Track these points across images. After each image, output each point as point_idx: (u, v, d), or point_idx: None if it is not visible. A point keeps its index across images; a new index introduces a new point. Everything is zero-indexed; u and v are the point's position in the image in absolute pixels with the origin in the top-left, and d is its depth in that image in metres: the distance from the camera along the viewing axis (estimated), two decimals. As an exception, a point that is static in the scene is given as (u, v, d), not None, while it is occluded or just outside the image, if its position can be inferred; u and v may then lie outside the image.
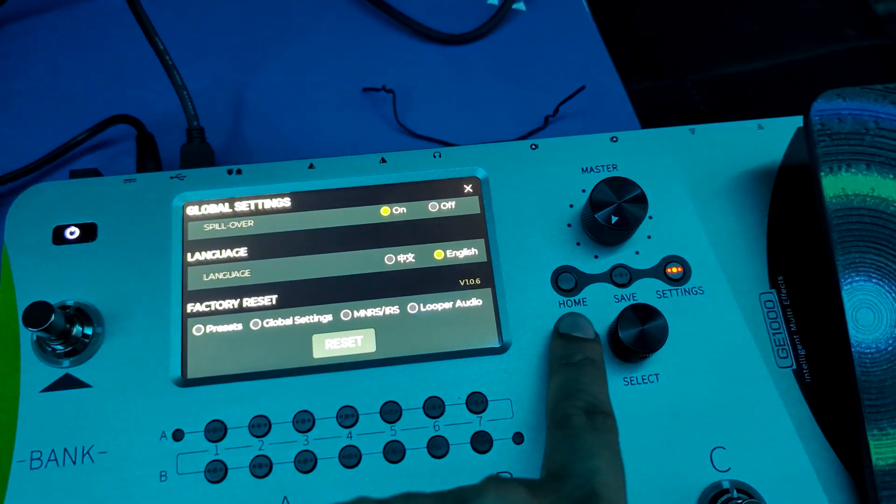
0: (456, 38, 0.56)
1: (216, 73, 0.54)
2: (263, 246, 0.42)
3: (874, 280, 0.37)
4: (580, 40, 0.56)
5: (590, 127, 0.52)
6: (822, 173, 0.38)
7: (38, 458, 0.37)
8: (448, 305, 0.41)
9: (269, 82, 0.54)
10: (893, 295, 0.37)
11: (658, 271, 0.41)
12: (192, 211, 0.42)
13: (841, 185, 0.38)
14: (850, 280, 0.37)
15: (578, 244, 0.42)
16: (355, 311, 0.40)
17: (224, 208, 0.42)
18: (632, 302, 0.40)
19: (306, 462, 0.37)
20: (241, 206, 0.42)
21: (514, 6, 0.57)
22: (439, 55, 0.55)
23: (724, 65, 0.56)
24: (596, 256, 0.42)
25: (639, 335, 0.38)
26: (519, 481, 0.30)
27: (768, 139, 0.45)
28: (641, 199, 0.40)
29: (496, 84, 0.55)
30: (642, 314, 0.38)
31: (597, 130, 0.45)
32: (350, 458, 0.37)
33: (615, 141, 0.44)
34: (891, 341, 0.37)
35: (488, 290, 0.41)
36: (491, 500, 0.28)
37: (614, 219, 0.39)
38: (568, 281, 0.41)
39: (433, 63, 0.55)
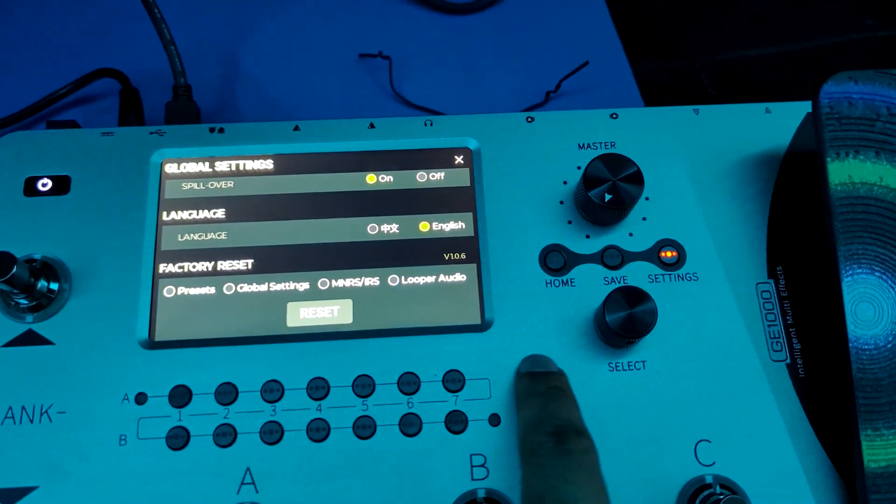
0: (459, 7, 0.54)
1: (209, 32, 0.52)
2: (242, 208, 0.40)
3: (877, 273, 0.36)
4: (587, 15, 0.54)
5: (592, 105, 0.50)
6: (829, 159, 0.36)
7: (-5, 415, 0.35)
8: (431, 279, 0.39)
9: (262, 44, 0.52)
10: (896, 290, 0.35)
11: (651, 255, 0.39)
12: (170, 168, 0.41)
13: (847, 171, 0.36)
14: (851, 272, 0.36)
15: (570, 223, 0.40)
16: (333, 281, 0.39)
17: (204, 167, 0.41)
18: (627, 284, 0.38)
19: (272, 433, 0.36)
20: (221, 165, 0.41)
21: (521, -22, 0.55)
22: (441, 24, 0.54)
23: (735, 48, 0.54)
24: (587, 236, 0.40)
25: (626, 319, 0.36)
26: None
27: (776, 124, 0.43)
28: (637, 178, 0.38)
29: (498, 57, 0.53)
30: (631, 297, 0.36)
31: (598, 108, 0.43)
32: (318, 431, 0.36)
33: (615, 118, 0.42)
34: (890, 338, 0.35)
35: (473, 266, 0.39)
36: None
37: (608, 197, 0.38)
38: (556, 260, 0.39)
39: (434, 32, 0.53)
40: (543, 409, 0.33)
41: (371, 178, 0.41)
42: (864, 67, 0.39)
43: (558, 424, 0.32)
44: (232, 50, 0.52)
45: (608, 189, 0.38)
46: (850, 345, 0.35)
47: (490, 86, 0.52)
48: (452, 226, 0.40)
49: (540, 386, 0.35)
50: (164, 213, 0.40)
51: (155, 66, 0.49)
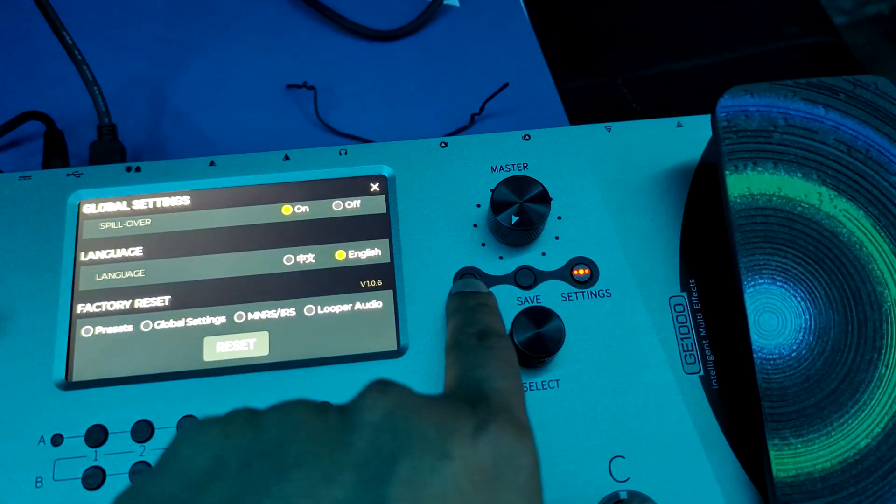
0: (385, 34, 0.54)
1: (137, 70, 0.53)
2: (160, 245, 0.40)
3: (778, 283, 0.36)
4: (513, 37, 0.55)
5: (518, 125, 0.51)
6: (727, 172, 0.37)
7: (-89, 462, 0.36)
8: (347, 308, 0.39)
9: (190, 79, 0.53)
10: (798, 299, 0.36)
11: (564, 273, 0.40)
12: (88, 209, 0.41)
13: (746, 184, 0.37)
14: (753, 283, 0.36)
15: (484, 245, 0.40)
16: (249, 314, 0.39)
17: (121, 206, 0.41)
18: (533, 305, 0.39)
19: (187, 469, 0.36)
20: (138, 204, 0.41)
21: (447, 2, 0.56)
22: (367, 52, 0.54)
23: (660, 63, 0.54)
24: (501, 258, 0.40)
25: (534, 338, 0.36)
26: (405, 386, 0.27)
27: (687, 137, 0.43)
28: (543, 198, 0.38)
29: (424, 82, 0.53)
30: (537, 317, 0.36)
31: (524, 129, 0.44)
32: (233, 464, 0.36)
33: (528, 139, 0.43)
34: (794, 347, 0.35)
35: (389, 293, 0.40)
36: (370, 401, 0.26)
37: (514, 219, 0.38)
38: (470, 283, 0.39)
39: (361, 60, 0.54)
40: (469, 318, 0.35)
41: (287, 209, 0.41)
42: (789, 75, 0.40)
43: (481, 328, 0.33)
44: (160, 87, 0.52)
45: (515, 211, 0.38)
46: (755, 355, 0.35)
47: (417, 111, 0.52)
48: (369, 253, 0.41)
49: (468, 302, 0.36)
50: (82, 254, 0.40)
51: (83, 107, 0.50)
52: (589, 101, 0.53)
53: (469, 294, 0.37)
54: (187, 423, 0.26)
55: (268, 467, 0.23)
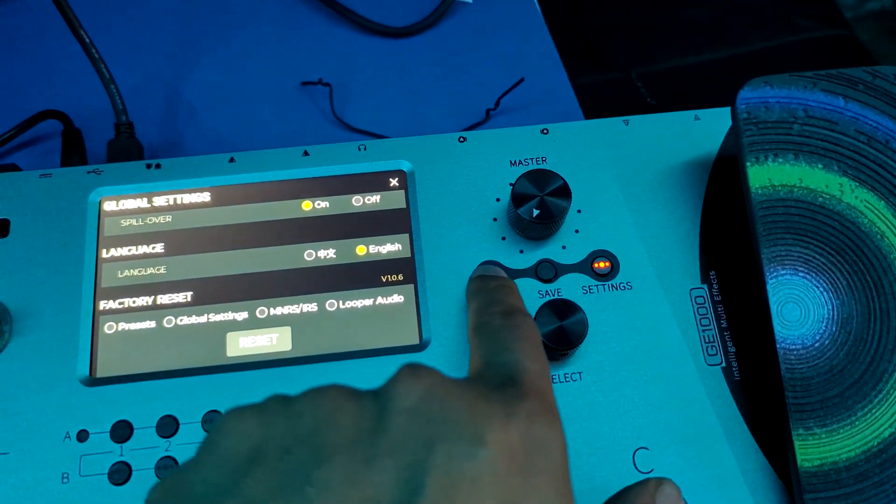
0: (398, 30, 0.54)
1: (152, 68, 0.53)
2: (181, 241, 0.41)
3: (801, 274, 0.36)
4: (527, 33, 0.55)
5: (532, 121, 0.51)
6: (749, 163, 0.37)
7: (-62, 459, 0.36)
8: (368, 302, 0.40)
9: (205, 77, 0.53)
10: (821, 289, 0.36)
11: (585, 266, 0.40)
12: (109, 206, 0.41)
13: (768, 175, 0.37)
14: (775, 274, 0.36)
15: (504, 239, 0.41)
16: (272, 309, 0.39)
17: (142, 203, 0.41)
18: (555, 297, 0.39)
19: (213, 463, 0.36)
20: (159, 200, 0.41)
21: (460, -2, 0.56)
22: (381, 48, 0.54)
23: (673, 57, 0.54)
24: (521, 251, 0.40)
25: (557, 331, 0.36)
26: (436, 370, 0.27)
27: (705, 130, 0.43)
28: (564, 192, 0.38)
29: (438, 78, 0.53)
30: (560, 310, 0.36)
31: (540, 124, 0.44)
32: (258, 459, 0.36)
33: (546, 133, 0.43)
34: (817, 337, 0.35)
35: (410, 287, 0.40)
36: (403, 386, 0.25)
37: (536, 212, 0.38)
38: (491, 276, 0.40)
39: (375, 56, 0.54)
40: (491, 297, 0.35)
41: (307, 205, 0.41)
42: (802, 68, 0.40)
43: (505, 307, 0.33)
44: (176, 85, 0.53)
45: (536, 205, 0.38)
46: (778, 346, 0.35)
47: (431, 106, 0.52)
48: (389, 248, 0.41)
49: (490, 283, 0.37)
50: (104, 251, 0.40)
51: (100, 105, 0.50)
52: (603, 96, 0.53)
53: (489, 277, 0.37)
54: (225, 412, 0.26)
55: (307, 454, 0.23)
